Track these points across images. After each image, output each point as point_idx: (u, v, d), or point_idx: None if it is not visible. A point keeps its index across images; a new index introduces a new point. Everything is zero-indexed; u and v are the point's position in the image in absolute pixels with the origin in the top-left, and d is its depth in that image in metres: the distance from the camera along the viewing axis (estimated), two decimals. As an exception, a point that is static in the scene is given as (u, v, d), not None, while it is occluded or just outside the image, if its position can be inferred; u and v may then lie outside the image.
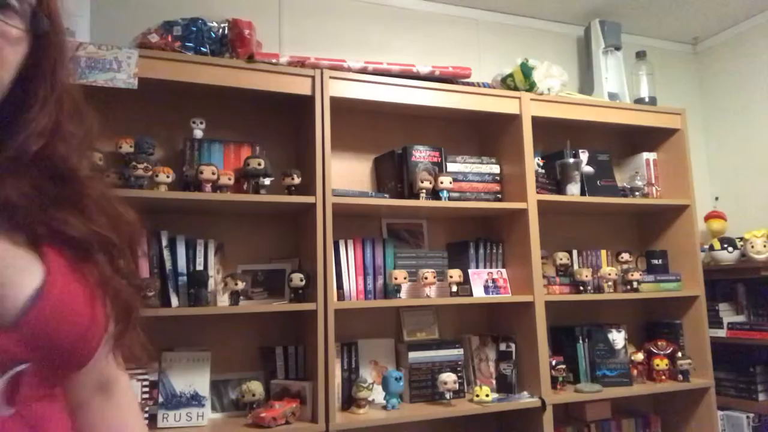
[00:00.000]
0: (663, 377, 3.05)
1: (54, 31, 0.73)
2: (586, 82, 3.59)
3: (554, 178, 3.13)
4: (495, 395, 2.75)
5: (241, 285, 2.43)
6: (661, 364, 3.04)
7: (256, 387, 2.40)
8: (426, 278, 2.73)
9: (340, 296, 2.64)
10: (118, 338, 0.79)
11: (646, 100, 3.49)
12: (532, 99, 2.98)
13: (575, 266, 3.14)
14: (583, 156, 3.21)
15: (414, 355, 2.75)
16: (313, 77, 2.59)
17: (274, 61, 2.56)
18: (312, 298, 2.46)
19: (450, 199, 2.83)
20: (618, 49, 3.52)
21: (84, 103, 0.78)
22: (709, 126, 4.00)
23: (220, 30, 2.59)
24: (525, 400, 2.75)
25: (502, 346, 2.91)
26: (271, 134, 2.79)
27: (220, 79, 2.45)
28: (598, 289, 3.13)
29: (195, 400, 2.39)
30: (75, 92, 0.77)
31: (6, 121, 0.70)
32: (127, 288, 0.79)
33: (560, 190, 3.10)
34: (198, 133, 2.53)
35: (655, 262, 3.29)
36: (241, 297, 2.49)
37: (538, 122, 2.98)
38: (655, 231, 3.46)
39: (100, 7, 2.58)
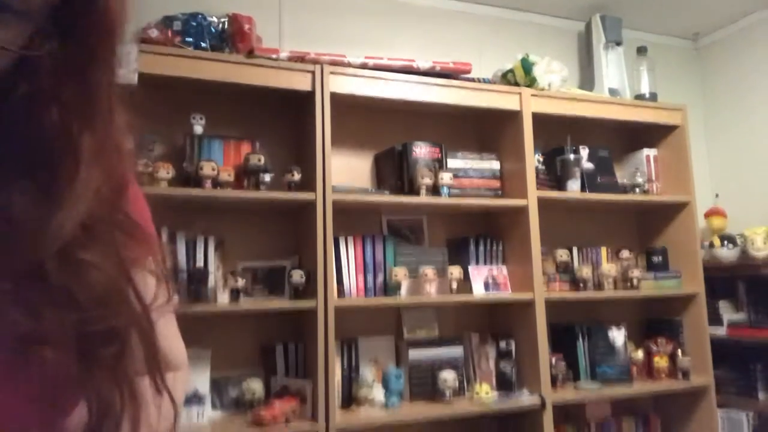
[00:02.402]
0: (663, 375, 3.05)
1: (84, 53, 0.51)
2: (587, 77, 3.57)
3: (554, 175, 3.12)
4: (495, 393, 2.74)
5: (241, 282, 2.43)
6: (661, 362, 3.04)
7: (257, 385, 2.39)
8: (426, 275, 2.72)
9: (341, 293, 2.63)
10: None
11: (647, 96, 3.48)
12: (532, 95, 2.97)
13: (575, 264, 3.14)
14: (584, 152, 3.20)
15: (414, 353, 2.74)
16: (313, 72, 2.57)
17: (274, 56, 2.55)
18: (312, 295, 2.45)
19: (450, 195, 2.81)
20: (619, 44, 3.51)
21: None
22: (709, 122, 3.99)
23: (220, 25, 2.57)
24: (525, 398, 2.75)
25: (502, 344, 2.91)
26: (271, 130, 2.77)
27: (220, 75, 2.44)
28: (599, 286, 3.12)
29: (195, 398, 2.37)
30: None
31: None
32: (107, 389, 0.53)
33: (560, 186, 3.09)
34: (198, 129, 2.51)
35: (655, 259, 3.29)
36: (242, 294, 2.48)
37: (538, 118, 2.96)
38: (655, 228, 3.45)
39: (98, 1, 2.55)
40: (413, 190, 2.77)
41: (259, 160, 2.47)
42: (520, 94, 2.95)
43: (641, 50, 3.57)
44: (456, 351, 2.83)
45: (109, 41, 0.53)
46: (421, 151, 2.86)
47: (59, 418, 0.53)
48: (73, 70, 0.51)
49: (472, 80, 2.97)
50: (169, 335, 0.77)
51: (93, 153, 0.51)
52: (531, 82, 3.00)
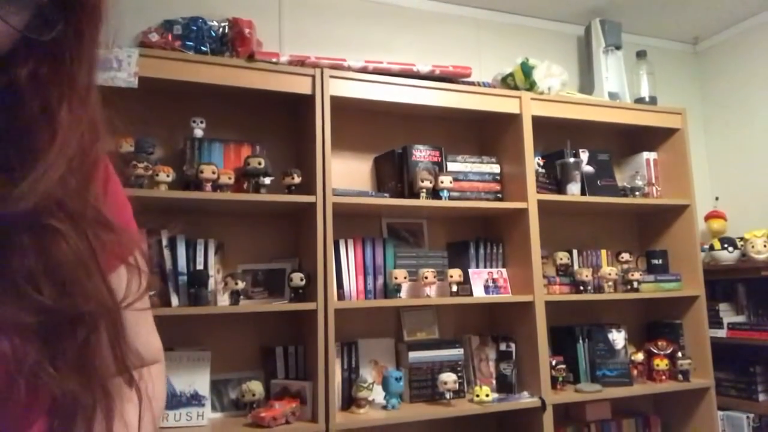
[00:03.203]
0: (663, 377, 3.04)
1: (74, 41, 0.53)
2: (587, 81, 3.58)
3: (554, 178, 3.13)
4: (495, 395, 2.74)
5: (241, 284, 2.43)
6: (661, 364, 3.04)
7: (256, 387, 2.40)
8: (426, 278, 2.72)
9: (341, 296, 2.64)
10: None
11: (647, 99, 3.49)
12: (532, 98, 2.98)
13: (575, 266, 3.14)
14: (584, 155, 3.21)
15: (414, 355, 2.75)
16: (313, 76, 2.58)
17: (274, 60, 2.56)
18: (312, 297, 2.46)
19: (450, 198, 2.82)
20: (618, 48, 3.52)
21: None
22: (709, 125, 4.00)
23: (221, 29, 2.59)
24: (525, 400, 2.75)
25: (502, 346, 2.91)
26: (271, 133, 2.78)
27: (221, 78, 2.45)
28: (599, 289, 3.12)
29: (195, 399, 2.38)
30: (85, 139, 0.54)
31: None
32: (70, 378, 0.51)
33: (560, 189, 3.09)
34: (198, 133, 2.53)
35: (656, 262, 3.29)
36: (241, 296, 2.48)
37: (538, 122, 2.97)
38: (655, 231, 3.46)
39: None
40: (413, 193, 2.78)
41: (260, 163, 2.48)
42: (519, 97, 2.96)
43: (641, 54, 3.58)
44: (456, 353, 2.83)
45: (96, 24, 0.54)
46: (421, 154, 2.87)
47: (24, 414, 0.50)
48: (59, 50, 0.52)
49: (472, 84, 2.99)
50: (144, 331, 0.75)
51: (69, 125, 0.52)
52: (531, 86, 3.01)
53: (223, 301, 2.47)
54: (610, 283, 3.13)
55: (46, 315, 0.50)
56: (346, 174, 2.91)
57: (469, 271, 2.87)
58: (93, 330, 0.54)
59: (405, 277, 2.68)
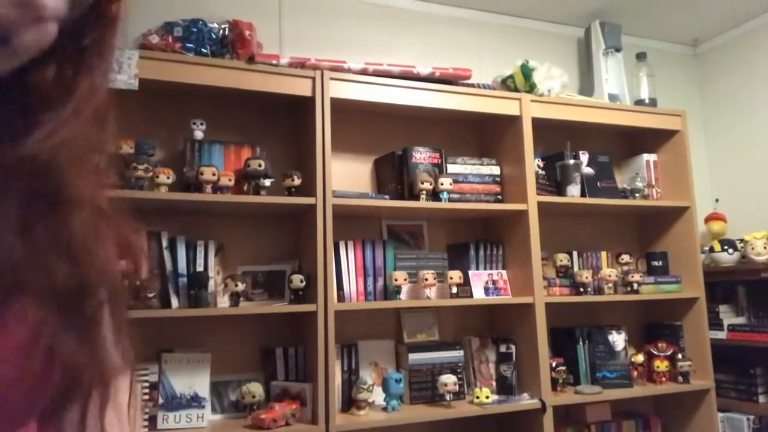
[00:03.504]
0: (663, 379, 3.04)
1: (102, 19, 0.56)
2: (587, 83, 3.59)
3: (554, 180, 3.13)
4: (495, 397, 2.74)
5: (241, 286, 2.43)
6: (661, 365, 3.04)
7: (256, 388, 2.40)
8: (426, 279, 2.72)
9: (341, 297, 2.64)
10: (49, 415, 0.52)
11: (647, 101, 3.49)
12: (532, 100, 2.98)
13: (575, 268, 3.14)
14: (584, 157, 3.21)
15: (414, 357, 2.75)
16: (313, 78, 2.59)
17: (274, 62, 2.56)
18: (312, 299, 2.46)
19: (450, 200, 2.82)
20: (618, 50, 3.52)
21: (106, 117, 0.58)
22: (709, 127, 4.00)
23: (221, 31, 2.59)
24: (525, 401, 2.75)
25: (503, 348, 2.91)
26: (271, 135, 2.79)
27: (221, 80, 2.45)
28: (599, 290, 3.12)
29: (195, 401, 2.38)
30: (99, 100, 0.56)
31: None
32: (80, 351, 0.51)
33: (560, 191, 3.09)
34: (198, 134, 2.53)
35: (656, 263, 3.29)
36: (241, 298, 2.48)
37: (538, 123, 2.98)
38: (655, 232, 3.46)
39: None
40: (413, 195, 2.78)
41: (260, 165, 2.48)
42: (519, 99, 2.96)
43: (640, 56, 3.59)
44: (456, 355, 2.83)
45: (115, 32, 0.57)
46: (421, 156, 2.87)
47: (15, 414, 0.50)
48: (80, 55, 0.55)
49: (472, 86, 2.99)
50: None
51: (85, 98, 0.53)
52: (531, 88, 3.01)
53: (223, 302, 2.47)
54: (610, 285, 3.13)
55: (62, 285, 0.51)
56: (346, 176, 2.91)
57: (469, 272, 2.87)
58: (99, 303, 0.55)
59: (405, 279, 2.68)
